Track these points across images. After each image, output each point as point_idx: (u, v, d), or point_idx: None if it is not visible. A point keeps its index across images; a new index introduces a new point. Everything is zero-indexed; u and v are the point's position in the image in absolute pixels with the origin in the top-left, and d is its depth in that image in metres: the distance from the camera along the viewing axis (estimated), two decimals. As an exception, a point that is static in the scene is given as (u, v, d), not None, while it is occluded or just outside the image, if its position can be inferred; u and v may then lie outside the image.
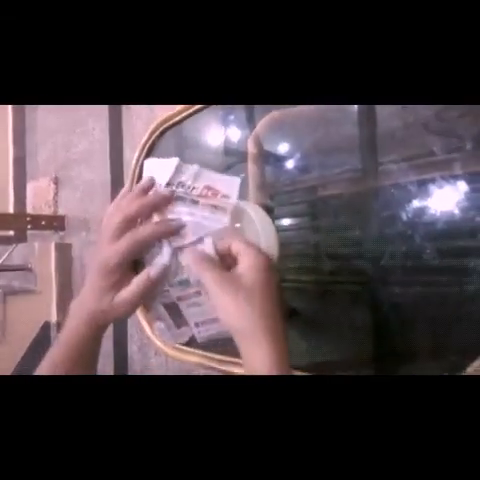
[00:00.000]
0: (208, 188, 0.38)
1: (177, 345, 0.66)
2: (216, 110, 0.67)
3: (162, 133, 0.78)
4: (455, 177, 0.40)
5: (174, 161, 0.39)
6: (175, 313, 0.40)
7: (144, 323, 0.74)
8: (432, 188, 0.42)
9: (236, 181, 0.38)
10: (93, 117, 1.45)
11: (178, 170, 0.39)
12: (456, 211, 0.40)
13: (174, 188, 0.38)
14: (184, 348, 0.65)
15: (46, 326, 1.55)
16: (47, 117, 1.84)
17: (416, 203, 0.43)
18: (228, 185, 0.38)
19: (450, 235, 0.41)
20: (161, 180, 0.39)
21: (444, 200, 0.41)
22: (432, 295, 0.43)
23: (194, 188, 0.38)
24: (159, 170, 0.39)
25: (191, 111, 0.69)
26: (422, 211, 0.43)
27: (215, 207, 0.37)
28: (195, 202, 0.37)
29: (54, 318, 1.55)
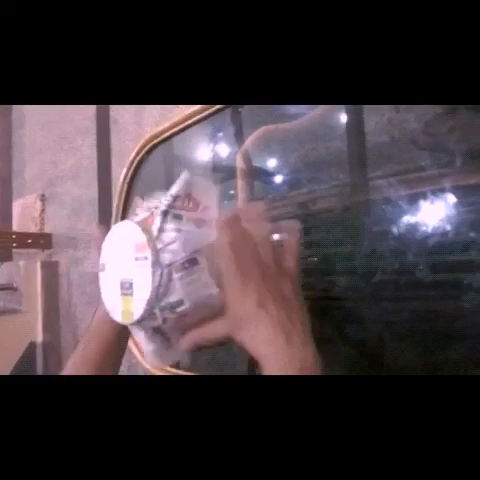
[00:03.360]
0: (188, 198, 0.37)
1: (166, 367, 0.64)
2: (205, 126, 0.67)
3: (150, 149, 0.77)
4: (445, 192, 0.40)
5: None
6: (162, 335, 0.38)
7: (131, 344, 0.72)
8: (423, 203, 0.42)
9: (213, 190, 0.37)
10: (81, 134, 1.45)
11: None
12: (447, 226, 0.40)
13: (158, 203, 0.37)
14: (173, 370, 0.64)
15: (32, 347, 1.51)
16: (34, 134, 1.83)
17: (407, 218, 0.43)
18: (206, 195, 0.37)
19: (442, 250, 0.40)
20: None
21: (435, 215, 0.41)
22: (424, 311, 0.43)
23: (177, 197, 0.37)
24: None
25: (180, 127, 0.69)
26: (413, 226, 0.42)
27: (200, 220, 0.36)
28: (178, 216, 0.36)
29: (40, 338, 1.51)
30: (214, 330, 0.35)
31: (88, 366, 0.41)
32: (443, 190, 0.40)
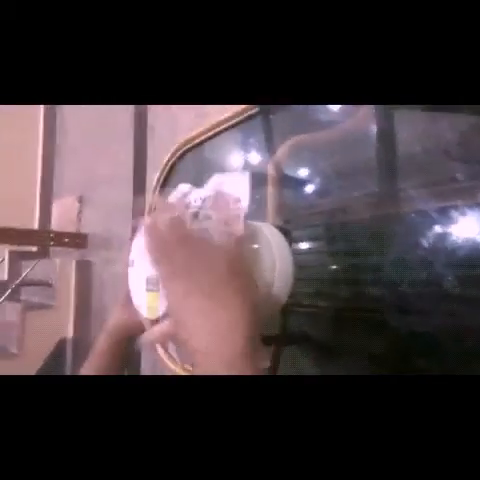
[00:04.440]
0: (219, 196, 0.37)
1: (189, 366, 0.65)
2: (236, 133, 0.68)
3: (182, 155, 0.79)
4: (477, 204, 0.39)
5: (186, 187, 0.39)
6: None
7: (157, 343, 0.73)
8: (453, 215, 0.41)
9: (245, 178, 0.37)
10: (118, 140, 1.50)
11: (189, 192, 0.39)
12: (478, 239, 0.39)
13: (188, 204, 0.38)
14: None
15: (62, 342, 1.56)
16: (75, 139, 1.91)
17: (436, 230, 0.42)
18: (238, 185, 0.37)
19: (471, 263, 0.39)
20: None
21: (465, 227, 0.40)
22: (451, 324, 0.41)
23: (206, 198, 0.37)
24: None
25: (211, 134, 0.70)
26: (442, 238, 0.41)
27: (229, 219, 0.36)
28: (208, 217, 0.37)
29: (70, 334, 1.56)
30: (160, 327, 0.34)
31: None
32: (475, 202, 0.39)
